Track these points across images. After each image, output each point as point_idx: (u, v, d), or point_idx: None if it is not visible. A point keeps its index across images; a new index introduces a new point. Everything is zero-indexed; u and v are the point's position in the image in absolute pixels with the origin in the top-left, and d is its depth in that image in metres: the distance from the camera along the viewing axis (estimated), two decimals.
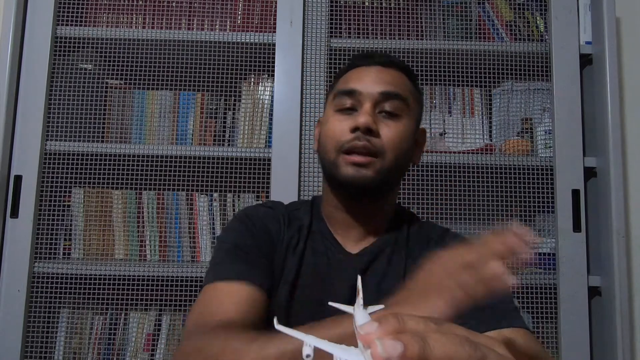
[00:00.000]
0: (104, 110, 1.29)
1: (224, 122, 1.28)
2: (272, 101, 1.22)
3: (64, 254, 1.23)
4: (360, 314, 0.36)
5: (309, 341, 0.32)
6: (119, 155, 1.19)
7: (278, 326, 0.38)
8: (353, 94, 0.71)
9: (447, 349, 0.24)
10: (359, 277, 0.48)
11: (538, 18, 1.27)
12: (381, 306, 0.48)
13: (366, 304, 0.57)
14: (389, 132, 0.69)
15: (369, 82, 0.71)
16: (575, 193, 1.15)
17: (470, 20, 1.28)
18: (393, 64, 0.74)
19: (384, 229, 0.76)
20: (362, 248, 0.74)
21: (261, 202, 0.84)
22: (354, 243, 0.75)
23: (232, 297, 0.63)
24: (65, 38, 1.21)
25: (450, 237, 0.76)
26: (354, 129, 0.68)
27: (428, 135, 1.27)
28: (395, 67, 0.74)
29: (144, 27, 1.26)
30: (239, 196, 1.24)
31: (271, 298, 0.69)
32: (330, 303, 0.56)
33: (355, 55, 0.79)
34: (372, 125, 0.68)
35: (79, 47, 1.23)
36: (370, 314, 0.38)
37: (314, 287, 0.71)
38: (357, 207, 0.74)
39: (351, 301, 0.65)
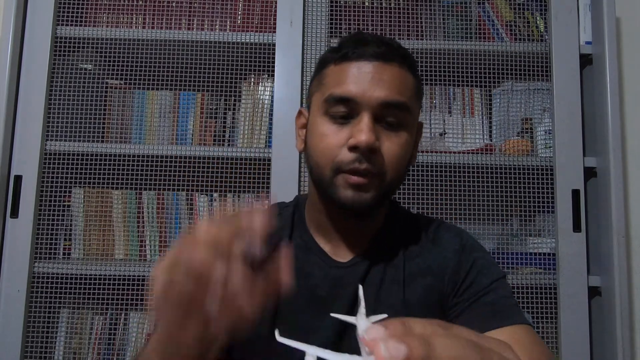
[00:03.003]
0: (104, 110, 1.29)
1: (224, 122, 1.28)
2: (272, 101, 1.22)
3: (64, 254, 1.23)
4: (363, 322, 0.36)
5: (311, 352, 0.32)
6: (119, 155, 1.19)
7: (280, 338, 0.38)
8: (348, 102, 0.61)
9: (453, 352, 0.24)
10: (360, 287, 0.47)
11: (538, 18, 1.27)
12: (384, 315, 0.48)
13: (368, 313, 0.57)
14: (391, 147, 0.62)
15: (367, 86, 0.61)
16: (575, 193, 1.15)
17: (470, 20, 1.28)
18: (394, 56, 0.63)
19: (378, 230, 0.71)
20: (355, 256, 0.69)
21: None
22: (345, 251, 0.69)
23: None
24: (65, 38, 1.21)
25: (444, 231, 0.72)
26: (353, 147, 0.60)
27: (428, 135, 1.27)
28: (396, 62, 0.63)
29: (144, 27, 1.26)
30: (239, 196, 1.24)
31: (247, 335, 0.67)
32: (332, 314, 0.55)
33: (347, 41, 0.66)
34: (375, 144, 0.60)
35: (79, 47, 1.23)
36: (373, 322, 0.38)
37: (302, 312, 0.66)
38: (351, 218, 0.69)
39: (349, 323, 0.65)
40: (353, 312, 0.65)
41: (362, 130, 0.59)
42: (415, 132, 0.68)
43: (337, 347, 0.62)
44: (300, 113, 0.73)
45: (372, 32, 1.22)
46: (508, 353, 0.28)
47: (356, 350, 0.63)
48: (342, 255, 0.69)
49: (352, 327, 0.65)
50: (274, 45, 1.19)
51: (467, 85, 1.29)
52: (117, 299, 1.19)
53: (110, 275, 1.15)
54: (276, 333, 0.40)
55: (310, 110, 0.69)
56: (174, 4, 1.27)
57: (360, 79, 0.62)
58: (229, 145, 1.26)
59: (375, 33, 1.24)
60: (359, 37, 0.65)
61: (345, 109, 0.62)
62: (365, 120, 0.60)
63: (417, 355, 0.22)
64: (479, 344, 0.25)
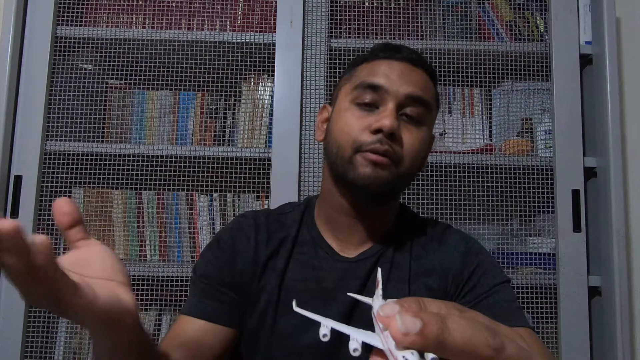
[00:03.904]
0: (104, 110, 1.29)
1: (224, 122, 1.28)
2: (272, 101, 1.22)
3: (64, 254, 1.23)
4: (379, 303, 0.36)
5: (326, 322, 0.33)
6: (119, 155, 1.19)
7: (296, 308, 0.38)
8: (377, 89, 0.65)
9: (466, 333, 0.24)
10: (379, 270, 0.48)
11: (538, 18, 1.27)
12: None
13: (366, 320, 0.58)
14: (410, 139, 0.66)
15: (396, 79, 0.66)
16: (575, 193, 1.15)
17: (470, 20, 1.28)
18: (421, 64, 0.69)
19: (385, 230, 0.72)
20: (362, 252, 0.70)
21: (256, 209, 0.80)
22: (353, 248, 0.71)
23: (181, 332, 0.66)
24: (65, 38, 1.21)
25: (451, 234, 0.74)
26: (377, 131, 0.63)
27: None
28: (422, 68, 0.69)
29: (144, 27, 1.26)
30: (239, 196, 1.24)
31: (247, 324, 0.69)
32: (349, 294, 0.56)
33: (379, 46, 0.71)
34: (397, 130, 0.64)
35: (79, 47, 1.23)
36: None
37: (306, 304, 0.68)
38: (363, 209, 0.70)
39: (354, 310, 0.66)
40: (357, 304, 0.66)
41: (388, 116, 0.63)
42: (431, 132, 0.71)
43: (341, 337, 0.64)
44: (324, 108, 0.76)
45: (349, 34, 1.25)
46: (521, 341, 0.28)
47: None
48: (349, 251, 0.71)
49: (357, 318, 0.65)
50: (274, 45, 1.19)
51: (467, 85, 1.29)
52: None
53: None
54: (294, 304, 0.40)
55: (336, 102, 0.72)
56: (174, 4, 1.27)
57: (391, 73, 0.66)
58: (229, 145, 1.26)
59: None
60: (392, 44, 0.70)
61: (373, 96, 0.66)
62: (390, 107, 0.64)
63: (430, 331, 0.23)
64: (493, 328, 0.25)
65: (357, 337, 0.29)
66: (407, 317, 0.23)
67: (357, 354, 0.28)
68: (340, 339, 0.65)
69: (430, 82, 0.70)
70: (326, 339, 0.32)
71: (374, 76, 0.66)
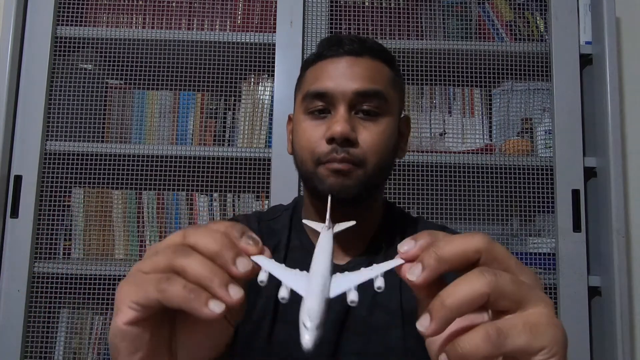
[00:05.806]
0: (104, 110, 1.29)
1: (224, 122, 1.28)
2: (272, 101, 1.22)
3: (64, 254, 1.23)
4: (326, 232, 0.41)
5: (266, 267, 0.35)
6: (119, 155, 1.19)
7: (255, 258, 0.36)
8: (324, 96, 0.63)
9: (453, 245, 0.33)
10: (330, 197, 0.55)
11: (538, 18, 1.27)
12: (351, 223, 0.51)
13: (359, 328, 0.62)
14: (368, 136, 0.63)
15: (340, 79, 0.63)
16: (575, 193, 1.15)
17: (470, 20, 1.28)
18: (366, 51, 0.65)
19: (374, 232, 0.70)
20: (352, 259, 0.68)
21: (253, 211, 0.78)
22: (342, 253, 0.69)
23: None
24: (65, 38, 1.21)
25: None
26: (330, 140, 0.61)
27: (428, 135, 1.27)
28: (369, 55, 0.65)
29: (144, 27, 1.26)
30: (239, 196, 1.25)
31: (239, 332, 0.65)
32: (304, 220, 0.57)
33: (323, 42, 0.68)
34: (350, 134, 0.61)
35: (79, 47, 1.23)
36: (337, 232, 0.46)
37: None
38: (341, 216, 0.67)
39: (348, 317, 0.65)
40: (350, 311, 0.65)
41: (338, 122, 0.61)
42: (397, 121, 0.68)
43: (336, 344, 0.63)
44: (289, 118, 0.75)
45: (349, 33, 1.23)
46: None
47: (355, 345, 0.65)
48: (339, 258, 0.69)
49: (350, 324, 0.64)
50: (274, 45, 1.19)
51: (467, 85, 1.29)
52: None
53: (110, 275, 1.15)
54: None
55: (294, 112, 0.71)
56: (174, 4, 1.27)
57: (335, 73, 0.64)
58: (229, 145, 1.26)
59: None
60: (334, 38, 0.67)
61: (322, 104, 0.64)
62: (340, 112, 0.62)
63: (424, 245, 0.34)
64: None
65: (289, 283, 0.32)
66: (410, 241, 0.34)
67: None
68: (337, 346, 0.65)
69: (380, 65, 0.66)
70: (285, 301, 0.33)
71: (319, 82, 0.64)
